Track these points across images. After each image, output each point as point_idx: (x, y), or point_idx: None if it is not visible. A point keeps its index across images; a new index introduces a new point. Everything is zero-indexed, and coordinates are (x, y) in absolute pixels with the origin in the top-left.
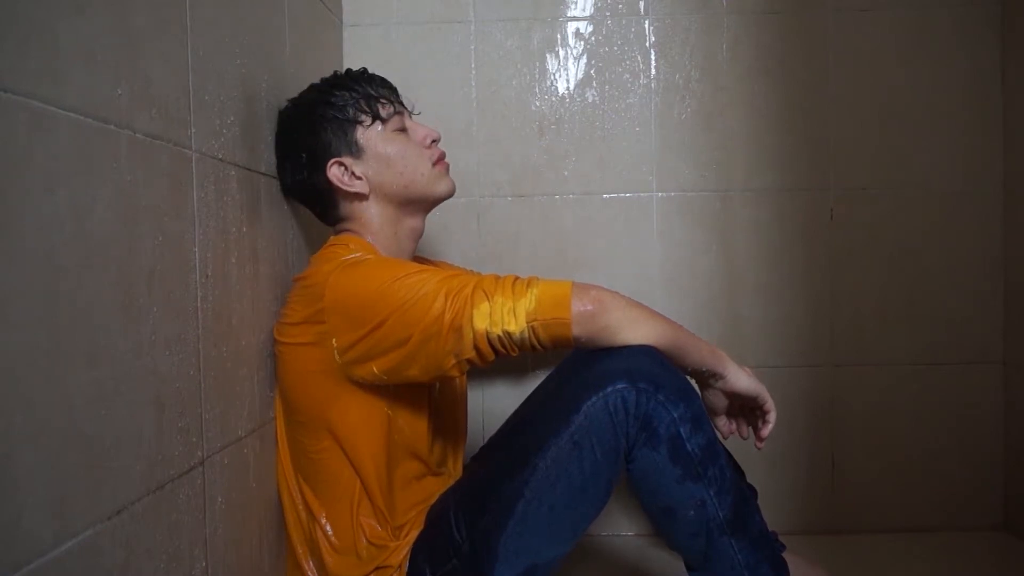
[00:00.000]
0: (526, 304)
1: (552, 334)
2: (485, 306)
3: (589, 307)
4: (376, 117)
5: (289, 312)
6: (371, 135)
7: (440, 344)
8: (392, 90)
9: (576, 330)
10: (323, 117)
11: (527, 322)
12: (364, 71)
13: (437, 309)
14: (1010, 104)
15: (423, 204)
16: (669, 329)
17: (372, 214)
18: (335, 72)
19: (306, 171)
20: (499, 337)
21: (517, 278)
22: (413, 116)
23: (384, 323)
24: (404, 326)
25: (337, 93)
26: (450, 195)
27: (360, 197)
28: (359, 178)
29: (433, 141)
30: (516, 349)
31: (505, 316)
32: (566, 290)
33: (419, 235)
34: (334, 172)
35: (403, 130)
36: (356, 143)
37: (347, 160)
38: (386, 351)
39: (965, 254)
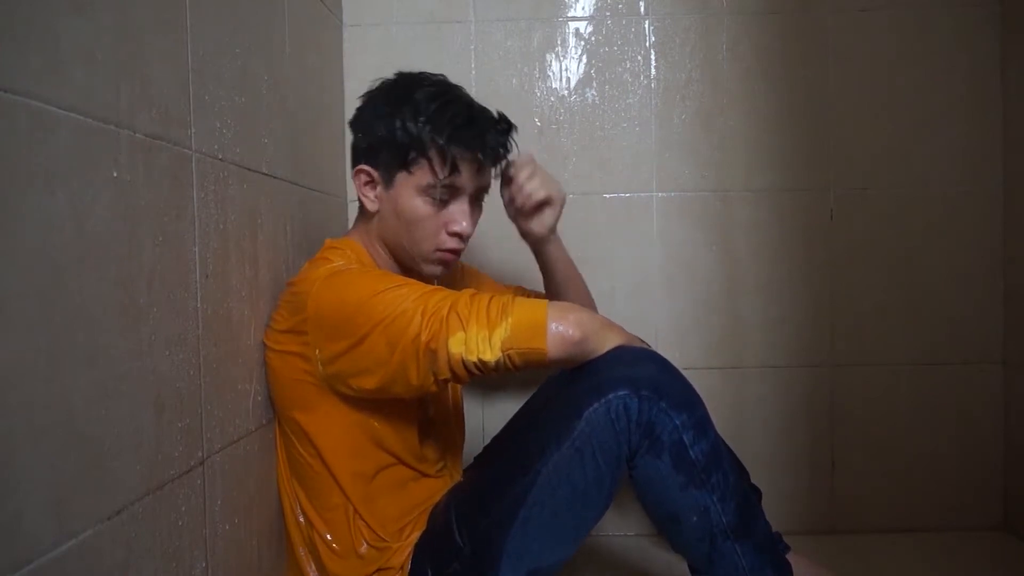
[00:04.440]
0: (501, 333)
1: (527, 361)
2: (460, 335)
3: (564, 337)
4: (430, 174)
5: (278, 317)
6: (408, 182)
7: (418, 365)
8: (489, 158)
9: (552, 356)
10: (391, 130)
11: (502, 351)
12: (488, 123)
13: (414, 329)
14: (1010, 104)
15: (406, 264)
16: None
17: (374, 228)
18: (457, 104)
19: (354, 146)
20: (475, 363)
21: (492, 300)
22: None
23: (364, 339)
24: (384, 344)
25: (422, 122)
26: (433, 279)
27: (366, 211)
28: (375, 199)
29: (456, 234)
30: (492, 373)
31: (480, 345)
32: (542, 317)
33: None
34: (359, 176)
35: (442, 202)
36: (392, 179)
37: (376, 177)
38: (368, 369)
39: (965, 254)
